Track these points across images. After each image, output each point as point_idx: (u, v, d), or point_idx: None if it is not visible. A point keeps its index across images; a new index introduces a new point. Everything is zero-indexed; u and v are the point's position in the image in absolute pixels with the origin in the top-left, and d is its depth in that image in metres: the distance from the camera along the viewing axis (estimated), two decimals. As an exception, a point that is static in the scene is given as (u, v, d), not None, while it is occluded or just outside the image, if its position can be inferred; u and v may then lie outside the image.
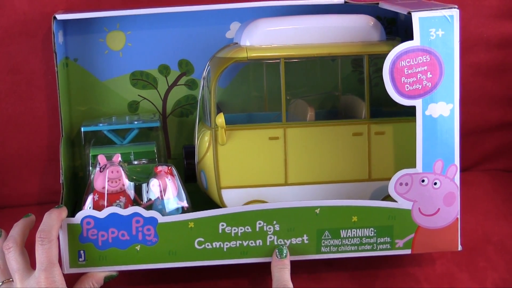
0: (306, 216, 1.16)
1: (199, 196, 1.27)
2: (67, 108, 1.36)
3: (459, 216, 1.18)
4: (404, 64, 1.12)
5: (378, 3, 1.26)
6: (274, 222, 1.16)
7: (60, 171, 1.24)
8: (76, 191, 1.36)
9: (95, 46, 1.37)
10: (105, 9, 1.36)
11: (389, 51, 1.19)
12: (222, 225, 1.15)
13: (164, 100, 1.41)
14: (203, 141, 1.24)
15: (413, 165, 1.16)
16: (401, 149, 1.22)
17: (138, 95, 1.40)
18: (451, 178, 1.16)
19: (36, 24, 1.36)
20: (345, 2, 1.30)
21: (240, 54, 1.20)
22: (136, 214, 1.13)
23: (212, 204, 1.24)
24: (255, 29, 1.22)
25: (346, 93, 1.33)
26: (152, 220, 1.14)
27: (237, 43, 1.26)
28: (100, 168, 1.17)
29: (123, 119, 1.34)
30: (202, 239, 1.15)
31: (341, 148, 1.22)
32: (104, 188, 1.17)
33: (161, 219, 1.14)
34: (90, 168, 1.26)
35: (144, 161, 1.28)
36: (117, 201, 1.17)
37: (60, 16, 1.27)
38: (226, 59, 1.21)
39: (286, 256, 1.17)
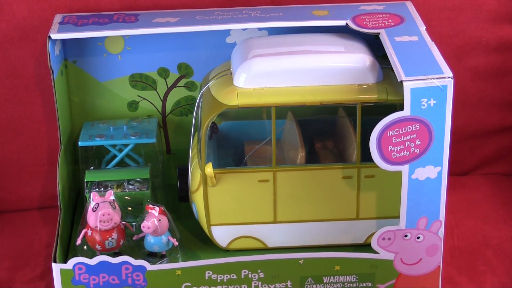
0: (290, 266, 1.20)
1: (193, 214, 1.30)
2: (66, 106, 1.37)
3: (441, 264, 1.21)
4: (393, 134, 1.11)
5: (379, 34, 1.24)
6: (259, 270, 1.20)
7: (57, 192, 1.28)
8: (77, 192, 1.41)
9: (94, 49, 1.37)
10: (103, 12, 1.35)
11: (384, 99, 1.19)
12: (208, 273, 1.19)
13: (164, 100, 1.41)
14: (194, 176, 1.25)
15: (399, 205, 1.18)
16: (390, 191, 1.23)
17: (138, 95, 1.40)
18: (435, 232, 1.18)
19: (36, 29, 1.36)
20: (346, 24, 1.27)
21: (231, 102, 1.19)
22: (125, 262, 1.17)
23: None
24: (248, 70, 1.20)
25: (342, 116, 1.33)
26: (141, 268, 1.18)
27: (230, 70, 1.25)
28: (93, 208, 1.21)
29: (121, 129, 1.35)
30: (189, 284, 1.20)
31: (330, 190, 1.24)
32: (96, 226, 1.21)
33: (149, 267, 1.18)
34: (86, 192, 1.30)
35: (138, 182, 1.31)
36: (109, 238, 1.22)
37: (55, 36, 1.26)
38: (217, 104, 1.20)
39: None
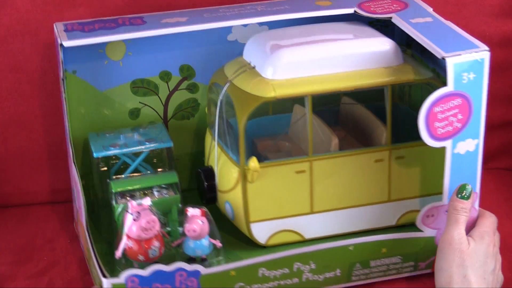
0: (340, 254, 1.20)
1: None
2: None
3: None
4: (438, 110, 1.13)
5: (391, 18, 1.26)
6: (311, 262, 1.19)
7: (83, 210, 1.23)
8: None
9: (95, 57, 1.32)
10: (107, 9, 1.34)
11: (412, 79, 1.21)
12: (262, 270, 1.17)
13: (166, 105, 1.38)
14: (227, 175, 1.23)
15: (428, 183, 1.23)
16: (419, 170, 1.26)
17: (139, 102, 1.36)
18: (473, 204, 1.21)
19: (38, 23, 1.33)
20: (355, 12, 1.28)
21: (268, 93, 1.18)
22: (180, 269, 1.13)
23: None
24: (278, 61, 1.19)
25: (351, 103, 1.34)
26: (195, 273, 1.14)
27: (250, 65, 1.23)
28: (134, 217, 1.16)
29: (131, 137, 1.31)
30: (243, 284, 1.17)
31: (363, 175, 1.24)
32: (139, 236, 1.16)
33: (203, 271, 1.14)
34: (114, 203, 1.24)
35: (164, 188, 1.27)
36: (152, 247, 1.17)
37: (67, 43, 1.20)
38: (253, 97, 1.18)
39: (468, 197, 1.15)
